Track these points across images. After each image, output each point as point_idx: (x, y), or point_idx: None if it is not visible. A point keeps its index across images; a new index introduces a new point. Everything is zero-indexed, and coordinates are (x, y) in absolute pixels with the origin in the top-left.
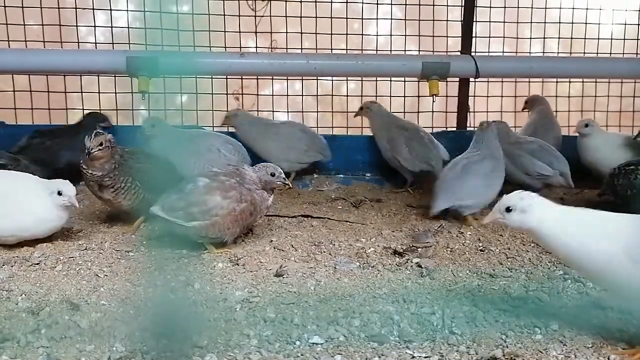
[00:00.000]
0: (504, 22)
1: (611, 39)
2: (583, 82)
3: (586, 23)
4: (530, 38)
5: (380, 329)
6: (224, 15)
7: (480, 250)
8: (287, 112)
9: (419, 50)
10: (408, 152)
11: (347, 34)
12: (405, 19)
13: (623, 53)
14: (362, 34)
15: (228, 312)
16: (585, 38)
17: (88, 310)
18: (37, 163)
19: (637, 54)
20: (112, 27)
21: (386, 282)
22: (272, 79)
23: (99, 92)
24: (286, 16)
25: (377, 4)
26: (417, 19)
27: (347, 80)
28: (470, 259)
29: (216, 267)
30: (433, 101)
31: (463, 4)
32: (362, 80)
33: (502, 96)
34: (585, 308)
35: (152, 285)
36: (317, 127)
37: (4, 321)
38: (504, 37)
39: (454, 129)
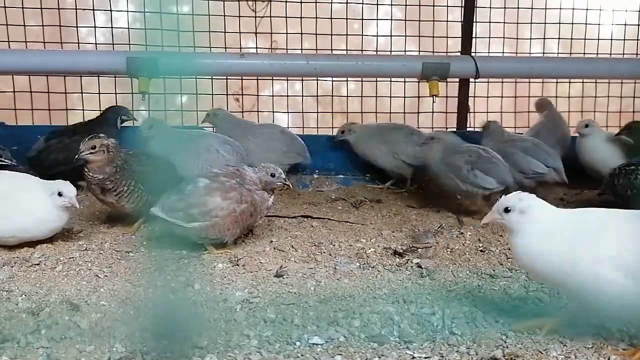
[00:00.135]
0: (504, 22)
1: (611, 39)
2: (583, 82)
3: (586, 23)
4: (530, 39)
5: (381, 329)
6: (224, 15)
7: (481, 251)
8: (287, 112)
9: (419, 51)
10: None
11: (347, 35)
12: (405, 20)
13: (623, 53)
14: (362, 35)
15: (228, 313)
16: (585, 39)
17: (88, 311)
18: (58, 164)
19: (637, 54)
20: (112, 27)
21: (386, 282)
22: (272, 79)
23: (99, 93)
24: (286, 17)
25: (377, 4)
26: (417, 20)
27: (347, 80)
28: (470, 259)
29: (216, 268)
30: (433, 102)
31: (463, 5)
32: (362, 81)
33: (502, 97)
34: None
35: (152, 285)
36: (317, 127)
37: (4, 322)
38: (504, 37)
39: (454, 129)
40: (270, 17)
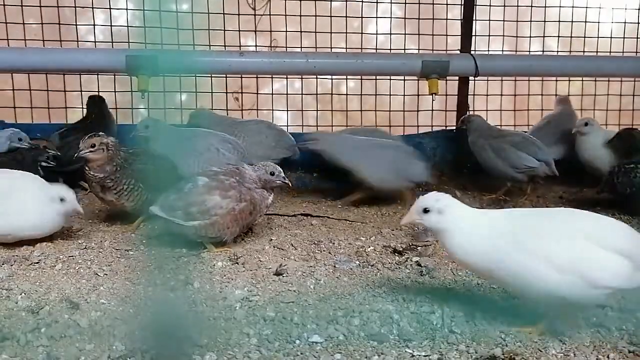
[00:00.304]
0: (504, 20)
1: (611, 37)
2: (582, 80)
3: (586, 21)
4: (530, 37)
5: (380, 327)
6: (224, 14)
7: None
8: (287, 110)
9: (419, 49)
10: None
11: (346, 33)
12: (404, 18)
13: (623, 51)
14: (362, 33)
15: (228, 311)
16: (584, 37)
17: (88, 309)
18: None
19: (636, 52)
20: (111, 25)
21: (386, 280)
22: (272, 77)
23: (98, 91)
24: (285, 15)
25: (377, 2)
26: (417, 18)
27: (346, 79)
28: None
29: (216, 266)
30: (432, 100)
31: (463, 3)
32: (361, 79)
33: (501, 95)
34: (584, 307)
35: (151, 284)
36: (317, 125)
37: (4, 320)
38: (503, 35)
39: (454, 127)
40: (270, 15)
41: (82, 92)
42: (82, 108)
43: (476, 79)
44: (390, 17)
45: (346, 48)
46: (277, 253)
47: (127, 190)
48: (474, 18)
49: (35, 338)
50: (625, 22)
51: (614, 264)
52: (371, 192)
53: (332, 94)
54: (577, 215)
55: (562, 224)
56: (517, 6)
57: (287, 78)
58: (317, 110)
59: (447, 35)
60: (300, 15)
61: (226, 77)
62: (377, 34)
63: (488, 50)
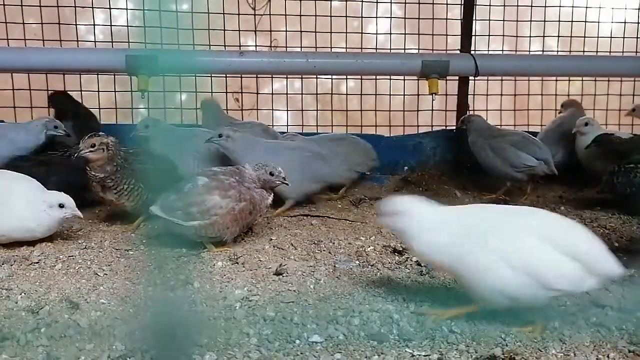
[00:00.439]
0: (504, 20)
1: (610, 37)
2: (582, 80)
3: (585, 21)
4: (530, 36)
5: (380, 327)
6: (224, 13)
7: None
8: (287, 110)
9: (419, 49)
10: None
11: (346, 33)
12: (404, 18)
13: (622, 51)
14: (362, 33)
15: (228, 311)
16: (584, 36)
17: (88, 309)
18: None
19: (636, 52)
20: (111, 25)
21: (386, 280)
22: (272, 77)
23: (98, 91)
24: (285, 14)
25: (377, 2)
26: (417, 18)
27: (346, 78)
28: None
29: (216, 266)
30: (432, 100)
31: (463, 3)
32: (361, 79)
33: (501, 95)
34: (584, 306)
35: (151, 283)
36: (317, 125)
37: (4, 320)
38: (503, 35)
39: (454, 127)
40: (270, 14)
41: (82, 92)
42: None
43: (476, 78)
44: (390, 17)
45: (346, 48)
46: (277, 253)
47: (127, 190)
48: (474, 18)
49: (35, 338)
50: (625, 22)
51: (566, 268)
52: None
53: (332, 93)
54: (536, 215)
55: (520, 223)
56: (517, 6)
57: (287, 78)
58: (317, 110)
59: (447, 35)
60: (300, 15)
61: (226, 77)
62: (377, 33)
63: (488, 50)
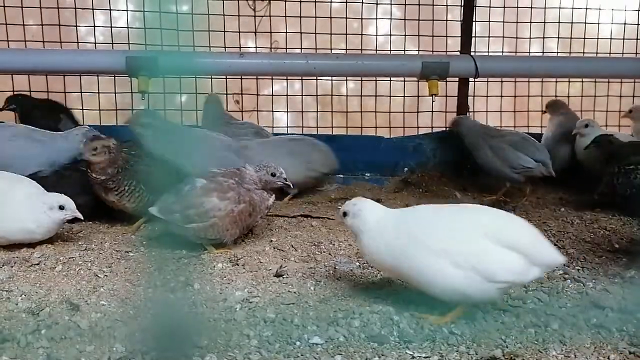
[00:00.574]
0: (504, 22)
1: (610, 38)
2: (582, 82)
3: (585, 23)
4: (530, 38)
5: (380, 329)
6: (224, 15)
7: None
8: (287, 112)
9: (419, 50)
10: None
11: (346, 34)
12: (404, 19)
13: (622, 53)
14: (362, 34)
15: (228, 313)
16: (584, 38)
17: (88, 311)
18: None
19: (636, 53)
20: (111, 27)
21: (386, 282)
22: (272, 79)
23: (98, 92)
24: (285, 16)
25: (377, 3)
26: (417, 19)
27: (346, 80)
28: None
29: (216, 268)
30: (432, 101)
31: (462, 4)
32: (361, 80)
33: (501, 96)
34: (585, 308)
35: (152, 285)
36: (317, 127)
37: (4, 322)
38: (503, 37)
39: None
40: (270, 16)
41: (82, 94)
42: (83, 109)
43: (476, 80)
44: (390, 18)
45: (346, 49)
46: (277, 254)
47: (129, 192)
48: (474, 19)
49: (36, 340)
50: (625, 23)
51: (508, 260)
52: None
53: (332, 95)
54: (477, 212)
55: (461, 220)
56: (517, 7)
57: (287, 79)
58: (317, 112)
59: (447, 36)
60: (300, 17)
61: (226, 78)
62: (377, 35)
63: (488, 52)
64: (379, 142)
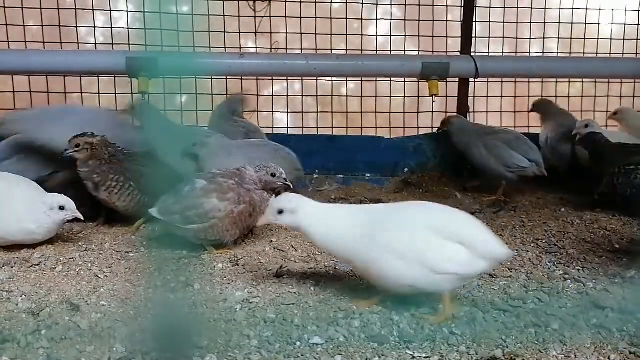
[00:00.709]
0: (504, 22)
1: (610, 39)
2: (583, 82)
3: (586, 23)
4: (530, 38)
5: (381, 329)
6: (224, 15)
7: None
8: (287, 112)
9: (419, 51)
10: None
11: (346, 34)
12: (404, 19)
13: (623, 53)
14: (362, 34)
15: (228, 313)
16: (584, 38)
17: (88, 311)
18: None
19: (636, 54)
20: (111, 27)
21: None
22: (272, 79)
23: (98, 93)
24: (286, 16)
25: (377, 4)
26: (417, 19)
27: (346, 80)
28: None
29: (216, 268)
30: (433, 101)
31: (463, 4)
32: (361, 81)
33: (501, 96)
34: (585, 308)
35: (152, 286)
36: (317, 127)
37: (4, 322)
38: (503, 37)
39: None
40: (270, 17)
41: (83, 94)
42: None
43: (476, 80)
44: (391, 19)
45: (346, 50)
46: (277, 255)
47: (117, 188)
48: (474, 20)
49: (36, 340)
50: (625, 24)
51: (453, 252)
52: None
53: (332, 95)
54: (423, 207)
55: (408, 216)
56: (517, 8)
57: (287, 80)
58: (317, 112)
59: (447, 36)
60: (301, 17)
61: (226, 79)
62: (377, 35)
63: (488, 52)
64: (379, 142)
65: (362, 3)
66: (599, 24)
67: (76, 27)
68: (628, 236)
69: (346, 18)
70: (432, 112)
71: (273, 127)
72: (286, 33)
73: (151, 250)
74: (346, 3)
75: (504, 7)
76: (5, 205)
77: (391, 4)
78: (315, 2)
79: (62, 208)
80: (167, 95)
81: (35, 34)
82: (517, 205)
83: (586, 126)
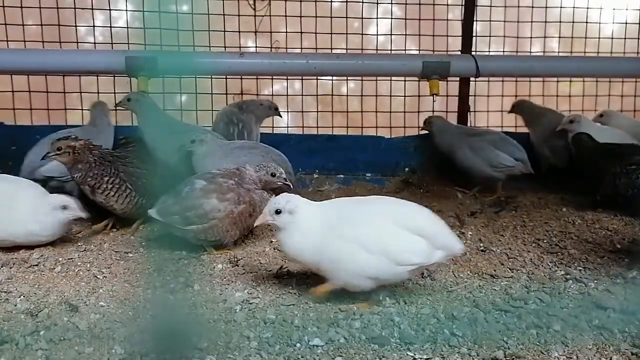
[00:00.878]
0: (505, 21)
1: (612, 38)
2: (584, 81)
3: (587, 22)
4: (531, 37)
5: (381, 330)
6: (224, 14)
7: (482, 251)
8: (287, 112)
9: (419, 50)
10: None
11: (347, 34)
12: (405, 18)
13: (624, 52)
14: (362, 34)
15: (228, 314)
16: (586, 37)
17: (87, 312)
18: None
19: (637, 53)
20: (111, 27)
21: None
22: (272, 78)
23: (98, 92)
24: (286, 15)
25: (377, 3)
26: (418, 18)
27: (347, 79)
28: (471, 259)
29: (216, 269)
30: (434, 101)
31: (463, 3)
32: (362, 80)
33: (502, 96)
34: (586, 308)
35: (151, 286)
36: (317, 127)
37: (3, 323)
38: (504, 36)
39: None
40: (270, 16)
41: (82, 94)
42: (82, 109)
43: (477, 79)
44: (391, 18)
45: (346, 49)
46: (277, 255)
47: (114, 190)
48: (475, 19)
49: (35, 341)
50: (626, 23)
51: (414, 244)
52: None
53: (332, 95)
54: (385, 202)
55: (372, 210)
56: (518, 7)
57: (287, 79)
58: (317, 112)
59: (447, 36)
60: (301, 16)
61: (226, 78)
62: (377, 34)
63: (489, 51)
64: (379, 142)
65: (363, 2)
66: (600, 23)
67: (75, 26)
68: (630, 236)
69: (346, 17)
70: (433, 111)
71: (273, 127)
72: (286, 32)
73: (150, 251)
74: (346, 2)
75: (505, 6)
76: (9, 207)
77: (392, 3)
78: (316, 1)
79: (64, 208)
80: (167, 95)
81: (35, 33)
82: (518, 205)
83: (571, 122)
